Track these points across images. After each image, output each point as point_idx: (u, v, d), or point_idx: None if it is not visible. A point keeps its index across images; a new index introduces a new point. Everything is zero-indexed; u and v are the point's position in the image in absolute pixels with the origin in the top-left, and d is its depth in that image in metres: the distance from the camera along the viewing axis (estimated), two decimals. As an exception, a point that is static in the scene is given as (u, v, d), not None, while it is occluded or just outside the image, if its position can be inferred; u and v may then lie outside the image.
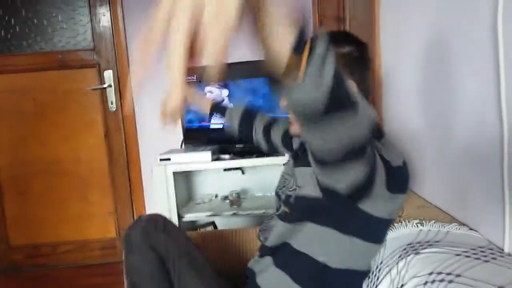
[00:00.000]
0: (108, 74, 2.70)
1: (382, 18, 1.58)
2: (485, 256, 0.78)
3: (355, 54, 1.01)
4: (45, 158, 2.78)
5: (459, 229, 0.94)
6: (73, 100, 2.74)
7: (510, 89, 0.79)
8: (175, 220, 2.40)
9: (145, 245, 1.10)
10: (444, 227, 0.95)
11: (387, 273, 0.88)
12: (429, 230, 0.95)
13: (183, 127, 2.59)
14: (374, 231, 0.93)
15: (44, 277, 2.78)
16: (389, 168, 0.82)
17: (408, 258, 0.83)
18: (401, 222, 1.01)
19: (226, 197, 2.68)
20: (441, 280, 0.72)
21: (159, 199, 2.37)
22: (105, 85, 2.71)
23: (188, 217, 2.52)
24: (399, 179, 0.86)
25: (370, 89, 1.08)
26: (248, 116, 1.49)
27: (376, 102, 1.63)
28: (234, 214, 2.43)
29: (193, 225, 2.66)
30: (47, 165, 2.79)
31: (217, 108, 1.48)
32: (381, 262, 0.95)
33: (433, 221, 0.98)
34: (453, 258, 0.77)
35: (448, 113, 1.07)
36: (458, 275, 0.72)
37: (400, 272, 0.82)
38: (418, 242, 0.89)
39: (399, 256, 0.87)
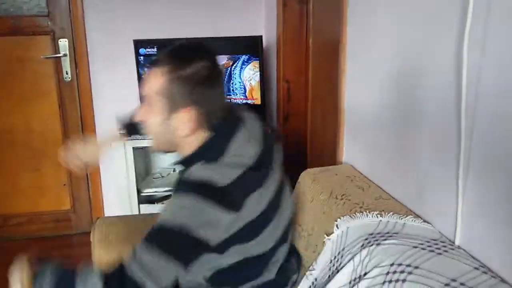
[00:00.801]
0: (63, 43, 2.59)
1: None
2: (438, 248, 0.86)
3: (204, 73, 0.99)
4: (-4, 128, 2.67)
5: (414, 221, 1.01)
6: (26, 68, 2.62)
7: (470, 87, 0.85)
8: (134, 195, 2.40)
9: None
10: (401, 219, 1.02)
11: (350, 259, 0.94)
12: (388, 221, 1.01)
13: (140, 98, 2.54)
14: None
15: (-5, 250, 2.71)
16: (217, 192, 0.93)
17: (371, 248, 0.90)
18: (362, 212, 1.07)
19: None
20: (402, 272, 0.79)
21: (118, 174, 2.36)
22: (60, 54, 2.60)
23: (147, 191, 2.53)
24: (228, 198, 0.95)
25: (224, 103, 1.08)
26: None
27: (338, 83, 1.67)
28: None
29: (151, 199, 2.66)
30: (-2, 135, 2.68)
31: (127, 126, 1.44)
32: (343, 249, 1.01)
33: (391, 212, 1.05)
34: (411, 250, 0.84)
35: (408, 105, 1.13)
36: (416, 267, 0.79)
37: (363, 261, 0.88)
38: (379, 233, 0.96)
39: (362, 245, 0.93)
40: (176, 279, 1.00)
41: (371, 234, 0.97)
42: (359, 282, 0.88)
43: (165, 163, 2.80)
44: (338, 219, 1.10)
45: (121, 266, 0.93)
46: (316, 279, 1.08)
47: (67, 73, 2.63)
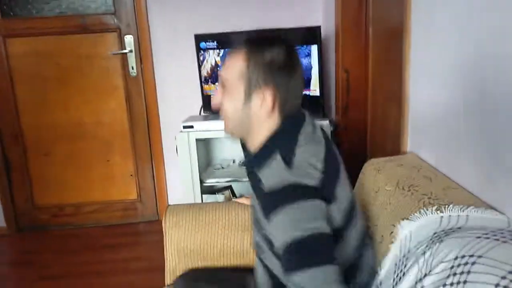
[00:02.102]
0: (129, 39, 2.71)
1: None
2: (503, 237, 0.83)
3: (279, 59, 1.02)
4: (68, 121, 2.84)
5: (477, 211, 0.99)
6: (95, 65, 2.77)
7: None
8: (197, 185, 2.49)
9: None
10: (463, 211, 1.00)
11: (415, 262, 0.93)
12: (450, 215, 0.99)
13: (202, 92, 2.62)
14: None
15: (69, 236, 2.90)
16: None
17: (434, 247, 0.89)
18: (420, 211, 1.06)
19: (243, 163, 2.75)
20: (466, 263, 0.78)
21: (182, 165, 2.44)
22: (126, 50, 2.73)
23: (209, 182, 2.60)
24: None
25: (300, 94, 1.10)
26: None
27: (402, 71, 1.65)
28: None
29: (212, 189, 2.74)
30: (70, 128, 2.85)
31: None
32: (408, 251, 1.00)
33: (451, 205, 1.03)
34: (474, 241, 0.83)
35: (479, 92, 1.11)
36: (479, 256, 0.77)
37: (427, 261, 0.88)
38: (442, 231, 0.94)
39: (426, 246, 0.92)
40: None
41: (435, 233, 0.96)
42: (423, 278, 0.88)
43: (225, 154, 2.87)
44: (401, 221, 1.08)
45: None
46: (380, 283, 1.08)
47: (132, 68, 2.76)
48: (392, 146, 1.79)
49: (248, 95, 1.03)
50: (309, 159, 1.01)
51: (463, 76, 1.21)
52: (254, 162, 1.09)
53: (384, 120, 2.04)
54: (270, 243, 1.05)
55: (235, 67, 1.04)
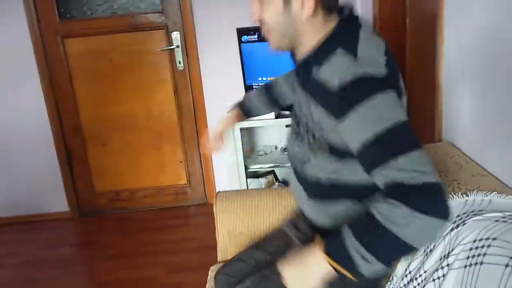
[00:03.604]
0: (176, 35, 2.89)
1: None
2: None
3: None
4: (122, 114, 3.06)
5: (499, 197, 1.07)
6: (145, 61, 2.97)
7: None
8: (242, 171, 2.65)
9: None
10: (487, 195, 1.07)
11: (441, 241, 1.04)
12: (474, 200, 1.08)
13: (244, 83, 2.77)
14: None
15: (125, 219, 3.15)
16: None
17: (457, 229, 0.99)
18: (449, 194, 1.13)
19: (285, 149, 2.89)
20: (482, 246, 0.88)
21: (228, 152, 2.61)
22: (173, 46, 2.90)
23: (253, 167, 2.77)
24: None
25: None
26: (268, 93, 1.52)
27: (436, 61, 1.71)
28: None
29: (256, 174, 2.90)
30: (124, 120, 3.07)
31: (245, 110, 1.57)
32: None
33: (476, 190, 1.11)
34: (492, 224, 0.92)
35: None
36: (494, 239, 0.87)
37: (451, 241, 0.98)
38: (465, 213, 1.03)
39: (451, 229, 1.02)
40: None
41: (458, 215, 1.04)
42: (445, 259, 0.97)
43: (268, 141, 3.02)
44: None
45: (389, 191, 0.88)
46: (409, 264, 1.17)
47: (180, 63, 2.94)
48: (429, 134, 1.87)
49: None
50: (373, 51, 0.97)
51: (495, 68, 1.26)
52: (310, 60, 1.04)
53: (422, 108, 2.11)
54: (329, 148, 1.03)
55: None
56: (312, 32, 1.02)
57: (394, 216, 0.83)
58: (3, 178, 3.15)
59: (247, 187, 2.74)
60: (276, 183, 2.90)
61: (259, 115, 1.62)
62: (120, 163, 3.17)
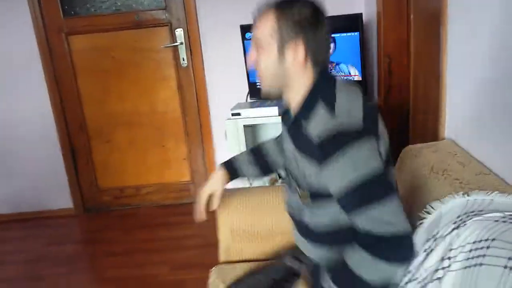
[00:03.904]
0: (179, 32, 2.88)
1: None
2: None
3: (306, 14, 1.08)
4: (126, 111, 3.07)
5: (501, 196, 1.05)
6: (149, 57, 2.97)
7: None
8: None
9: None
10: (488, 195, 1.06)
11: (440, 241, 1.02)
12: (475, 199, 1.06)
13: (248, 81, 2.76)
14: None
15: (130, 215, 3.17)
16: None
17: (457, 230, 0.98)
18: (451, 194, 1.12)
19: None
20: (482, 247, 0.87)
21: (231, 150, 2.61)
22: (176, 43, 2.90)
23: (256, 165, 2.75)
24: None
25: (328, 45, 1.16)
26: (257, 156, 1.54)
27: (440, 56, 1.70)
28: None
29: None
30: (128, 117, 3.08)
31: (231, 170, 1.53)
32: (437, 232, 1.09)
33: (477, 189, 1.10)
34: (491, 224, 0.91)
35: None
36: (493, 239, 0.86)
37: (452, 241, 0.97)
38: (465, 213, 1.02)
39: (451, 229, 1.01)
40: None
41: (458, 216, 1.03)
42: (445, 260, 0.96)
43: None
44: (432, 203, 1.14)
45: (358, 237, 1.02)
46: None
47: (183, 60, 2.93)
48: (433, 130, 1.86)
49: (281, 50, 1.09)
50: (349, 104, 1.07)
51: (500, 66, 1.25)
52: (300, 115, 1.14)
53: (426, 106, 2.10)
54: (319, 197, 1.12)
55: (266, 25, 1.10)
56: (299, 82, 1.13)
57: (361, 263, 1.00)
58: (8, 175, 3.17)
59: (250, 184, 2.74)
60: (279, 181, 2.89)
61: (245, 178, 1.62)
62: (124, 159, 3.18)
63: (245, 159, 1.55)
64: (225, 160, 1.56)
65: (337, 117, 1.04)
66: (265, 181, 2.84)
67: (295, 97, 1.16)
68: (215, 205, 1.52)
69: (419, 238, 1.12)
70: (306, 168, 1.11)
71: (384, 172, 1.02)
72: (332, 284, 1.05)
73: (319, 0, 1.15)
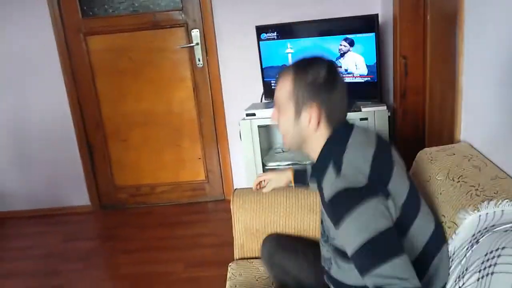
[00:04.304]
0: (195, 33, 2.91)
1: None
2: None
3: (321, 77, 1.12)
4: (142, 110, 3.11)
5: (510, 205, 1.05)
6: (165, 58, 3.00)
7: None
8: (259, 168, 2.67)
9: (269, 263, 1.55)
10: (498, 206, 1.06)
11: (458, 263, 1.05)
12: (487, 213, 1.06)
13: (263, 81, 2.78)
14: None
15: (146, 213, 3.21)
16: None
17: (471, 248, 0.99)
18: (462, 212, 1.13)
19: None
20: (492, 257, 0.88)
21: (246, 150, 2.63)
22: (193, 44, 2.93)
23: (270, 165, 2.77)
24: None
25: (344, 106, 1.19)
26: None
27: (456, 58, 1.69)
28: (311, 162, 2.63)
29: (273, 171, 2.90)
30: (144, 116, 3.12)
31: (298, 177, 1.61)
32: (454, 253, 1.10)
33: (486, 202, 1.09)
34: (501, 234, 0.92)
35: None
36: (503, 248, 0.86)
37: (468, 260, 0.98)
38: (479, 231, 1.03)
39: (466, 248, 1.03)
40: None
41: (473, 235, 1.04)
42: (461, 279, 0.98)
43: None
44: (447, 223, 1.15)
45: None
46: None
47: (199, 60, 2.96)
48: (449, 133, 1.85)
49: (297, 113, 1.15)
50: (356, 162, 1.09)
51: None
52: (317, 174, 1.20)
53: (442, 107, 2.09)
54: (342, 252, 1.14)
55: (284, 88, 1.16)
56: (314, 142, 1.18)
57: None
58: (26, 172, 3.24)
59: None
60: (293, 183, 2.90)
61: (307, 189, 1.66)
62: (140, 158, 3.22)
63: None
64: (297, 168, 1.65)
65: (343, 176, 1.06)
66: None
67: (313, 155, 1.21)
68: (265, 190, 1.64)
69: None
70: (329, 224, 1.14)
71: (392, 229, 1.02)
72: None
73: (332, 63, 1.18)
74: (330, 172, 1.10)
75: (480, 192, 1.17)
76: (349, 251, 1.04)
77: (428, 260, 1.15)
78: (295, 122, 1.16)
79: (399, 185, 1.12)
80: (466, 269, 0.97)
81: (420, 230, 1.15)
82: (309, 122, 1.14)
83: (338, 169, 1.08)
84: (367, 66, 2.50)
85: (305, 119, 1.14)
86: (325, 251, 1.29)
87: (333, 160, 1.11)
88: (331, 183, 1.08)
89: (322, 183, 1.14)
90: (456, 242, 1.12)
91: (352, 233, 1.02)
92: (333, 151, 1.14)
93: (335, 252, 1.20)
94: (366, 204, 1.01)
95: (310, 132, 1.16)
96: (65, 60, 2.99)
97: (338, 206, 1.05)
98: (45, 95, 3.07)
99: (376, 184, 1.06)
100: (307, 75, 1.13)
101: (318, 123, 1.14)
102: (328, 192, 1.08)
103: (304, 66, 1.16)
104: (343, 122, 1.20)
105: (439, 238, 1.19)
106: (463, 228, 1.10)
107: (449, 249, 1.15)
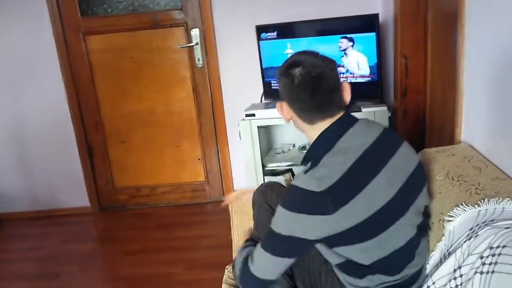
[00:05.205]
0: (195, 33, 2.89)
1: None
2: None
3: (298, 77, 1.16)
4: (142, 111, 3.10)
5: (511, 203, 1.04)
6: (165, 57, 2.99)
7: None
8: (259, 169, 2.65)
9: (262, 202, 1.55)
10: (499, 203, 1.05)
11: (453, 254, 1.03)
12: (486, 209, 1.05)
13: (263, 81, 2.76)
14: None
15: (145, 214, 3.19)
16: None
17: (469, 241, 0.98)
18: (461, 206, 1.11)
19: (303, 147, 2.87)
20: (493, 255, 0.86)
21: (245, 151, 2.61)
22: (192, 43, 2.91)
23: (270, 166, 2.76)
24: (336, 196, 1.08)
25: (320, 108, 1.20)
26: None
27: (457, 57, 1.68)
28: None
29: (273, 172, 2.89)
30: (144, 117, 3.11)
31: None
32: (451, 246, 1.09)
33: (487, 199, 1.08)
34: (502, 231, 0.90)
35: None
36: (504, 246, 0.85)
37: (464, 253, 0.97)
38: (477, 225, 1.02)
39: (464, 241, 1.01)
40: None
41: (471, 228, 1.03)
42: (458, 270, 0.96)
43: (286, 139, 3.00)
44: (445, 218, 1.14)
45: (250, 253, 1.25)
46: (427, 276, 1.17)
47: (199, 60, 2.94)
48: (449, 134, 1.83)
49: (280, 105, 1.27)
50: (330, 167, 1.12)
51: None
52: (304, 163, 1.25)
53: (443, 107, 2.08)
54: None
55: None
56: (307, 132, 1.26)
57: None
58: (25, 173, 3.23)
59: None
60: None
61: None
62: (140, 159, 3.20)
63: None
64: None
65: (309, 174, 1.14)
66: (279, 179, 2.84)
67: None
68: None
69: (435, 255, 1.12)
70: None
71: (294, 240, 1.13)
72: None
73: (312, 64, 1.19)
74: (308, 165, 1.19)
75: (480, 191, 1.16)
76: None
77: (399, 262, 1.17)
78: (283, 114, 1.29)
79: (375, 194, 1.12)
80: (464, 261, 0.95)
81: (394, 237, 1.14)
82: (285, 117, 1.26)
83: (313, 165, 1.16)
84: (368, 66, 2.49)
85: (282, 113, 1.27)
86: None
87: (314, 155, 1.18)
88: (301, 173, 1.18)
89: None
90: (454, 236, 1.10)
91: (276, 217, 1.18)
92: (321, 147, 1.19)
93: None
94: (296, 213, 1.12)
95: (298, 125, 1.27)
96: (64, 59, 2.98)
97: (287, 194, 1.17)
98: (44, 95, 3.06)
99: (327, 197, 1.08)
100: (286, 74, 1.20)
101: (288, 118, 1.26)
102: (294, 178, 1.21)
103: (287, 66, 1.22)
104: (342, 118, 1.21)
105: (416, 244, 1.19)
106: (461, 221, 1.09)
107: (445, 242, 1.13)
